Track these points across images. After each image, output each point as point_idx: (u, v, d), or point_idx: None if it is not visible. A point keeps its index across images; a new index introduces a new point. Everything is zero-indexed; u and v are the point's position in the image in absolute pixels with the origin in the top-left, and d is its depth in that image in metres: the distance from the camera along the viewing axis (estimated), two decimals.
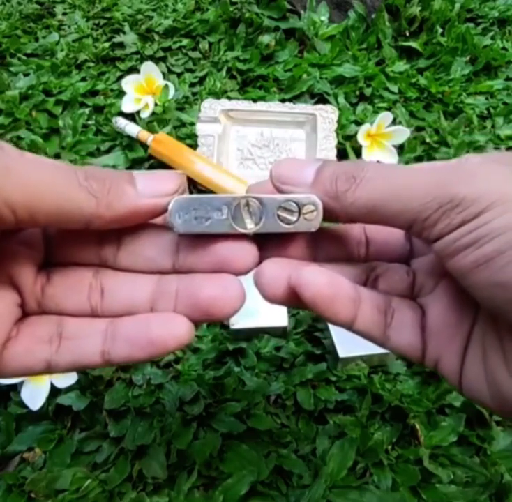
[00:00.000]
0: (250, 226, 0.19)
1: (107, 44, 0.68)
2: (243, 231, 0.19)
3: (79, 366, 0.19)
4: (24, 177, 0.16)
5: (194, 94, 0.64)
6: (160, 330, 0.18)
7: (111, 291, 0.20)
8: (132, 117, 0.60)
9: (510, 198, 0.16)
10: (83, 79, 0.65)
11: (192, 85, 0.65)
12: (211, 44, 0.69)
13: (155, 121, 0.58)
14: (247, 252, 0.19)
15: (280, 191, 0.20)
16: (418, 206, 0.17)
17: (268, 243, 0.21)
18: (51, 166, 0.17)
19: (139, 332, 0.19)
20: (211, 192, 0.53)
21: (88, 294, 0.20)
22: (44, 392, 0.39)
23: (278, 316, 0.43)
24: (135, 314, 0.19)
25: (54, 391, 0.39)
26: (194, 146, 0.56)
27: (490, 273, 0.16)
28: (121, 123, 0.57)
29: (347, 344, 0.42)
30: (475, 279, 0.17)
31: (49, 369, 0.19)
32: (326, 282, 0.19)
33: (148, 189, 0.18)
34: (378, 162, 0.57)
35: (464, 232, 0.17)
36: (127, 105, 0.59)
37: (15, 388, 0.40)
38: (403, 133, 0.57)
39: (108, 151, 0.58)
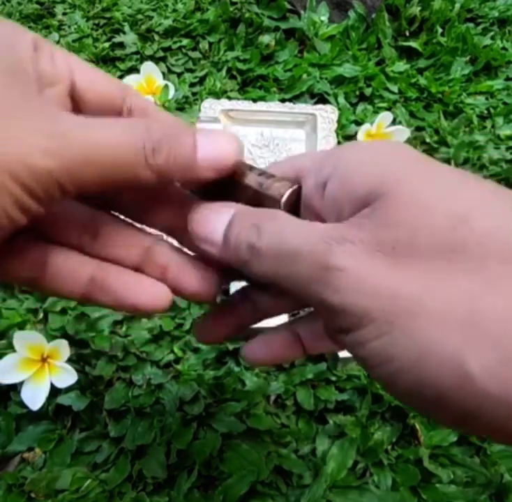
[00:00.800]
0: None
1: (107, 44, 0.68)
2: None
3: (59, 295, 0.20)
4: (96, 151, 0.16)
5: (194, 94, 0.64)
6: (143, 294, 0.19)
7: (104, 237, 0.20)
8: None
9: (378, 313, 0.14)
10: None
11: (192, 85, 0.65)
12: (211, 44, 0.69)
13: None
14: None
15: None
16: (301, 292, 0.16)
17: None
18: (122, 136, 0.16)
19: (123, 289, 0.20)
20: None
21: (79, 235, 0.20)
22: (44, 392, 0.38)
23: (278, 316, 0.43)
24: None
25: (54, 391, 0.39)
26: None
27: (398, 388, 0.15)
28: None
29: None
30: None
31: (35, 288, 0.20)
32: (266, 358, 0.24)
33: (208, 155, 0.18)
34: None
35: (346, 345, 0.15)
36: None
37: (15, 388, 0.40)
38: (403, 133, 0.57)
39: None
